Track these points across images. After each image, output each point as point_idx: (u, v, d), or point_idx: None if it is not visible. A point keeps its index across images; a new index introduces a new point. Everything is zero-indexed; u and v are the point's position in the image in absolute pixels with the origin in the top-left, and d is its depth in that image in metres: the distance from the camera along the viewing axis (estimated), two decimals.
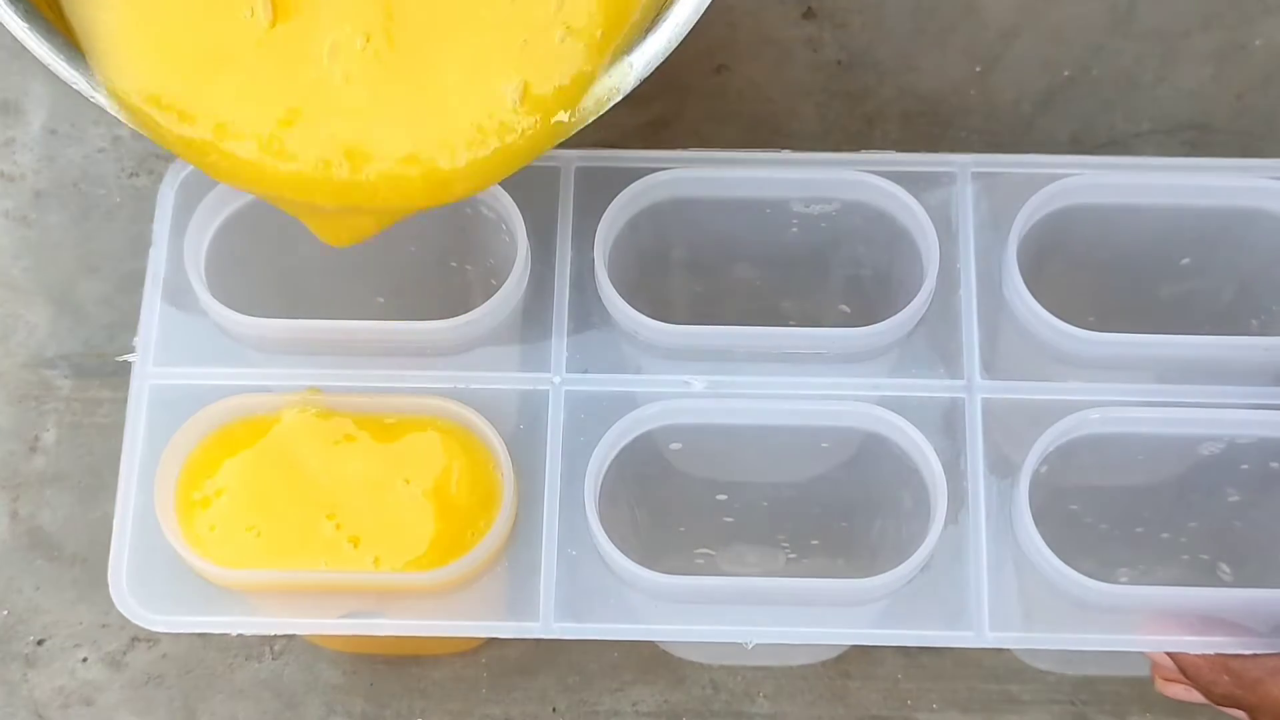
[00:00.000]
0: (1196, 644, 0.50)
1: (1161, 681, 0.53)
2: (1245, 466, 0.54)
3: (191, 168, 0.54)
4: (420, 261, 0.58)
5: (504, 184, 0.53)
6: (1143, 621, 0.50)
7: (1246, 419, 0.52)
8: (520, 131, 0.46)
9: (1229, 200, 0.54)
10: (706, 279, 0.60)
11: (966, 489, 0.51)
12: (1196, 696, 0.52)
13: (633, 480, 0.55)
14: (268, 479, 0.51)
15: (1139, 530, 0.60)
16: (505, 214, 0.53)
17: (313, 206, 0.47)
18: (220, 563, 0.49)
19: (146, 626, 0.50)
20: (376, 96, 0.46)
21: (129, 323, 0.54)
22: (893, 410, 0.51)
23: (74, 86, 0.45)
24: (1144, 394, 0.52)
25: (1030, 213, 0.52)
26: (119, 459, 0.52)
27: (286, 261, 0.56)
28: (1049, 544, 0.49)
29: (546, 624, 0.50)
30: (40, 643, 0.66)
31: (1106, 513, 0.60)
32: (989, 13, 0.75)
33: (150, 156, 0.73)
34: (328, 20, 0.45)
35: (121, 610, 0.50)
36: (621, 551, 0.49)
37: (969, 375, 0.53)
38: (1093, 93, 0.73)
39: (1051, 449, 0.51)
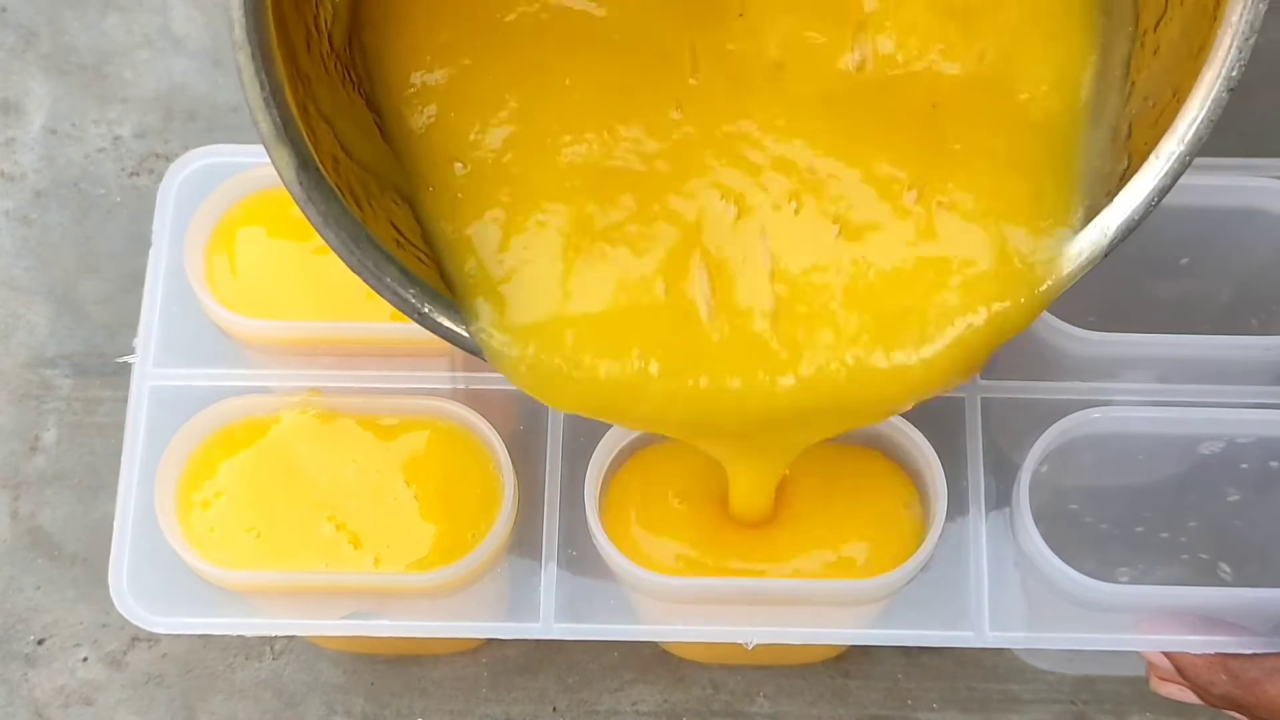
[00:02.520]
0: (1196, 644, 0.50)
1: (1156, 681, 0.53)
2: (1245, 466, 0.54)
3: (192, 167, 0.54)
4: None
5: None
6: (1143, 621, 0.50)
7: (1246, 419, 0.52)
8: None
9: (1229, 200, 0.54)
10: None
11: (966, 489, 0.51)
12: (1191, 697, 0.52)
13: None
14: (268, 480, 0.51)
15: (1139, 530, 0.60)
16: None
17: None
18: (220, 564, 0.49)
19: (147, 628, 0.50)
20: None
21: (129, 322, 0.54)
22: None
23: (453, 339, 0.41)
24: (1144, 394, 0.52)
25: None
26: (119, 458, 0.52)
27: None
28: (1049, 544, 0.49)
29: (547, 624, 0.50)
30: (40, 642, 0.66)
31: (1106, 512, 0.60)
32: None
33: (150, 156, 0.73)
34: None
35: (122, 612, 0.50)
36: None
37: None
38: None
39: (1051, 449, 0.51)
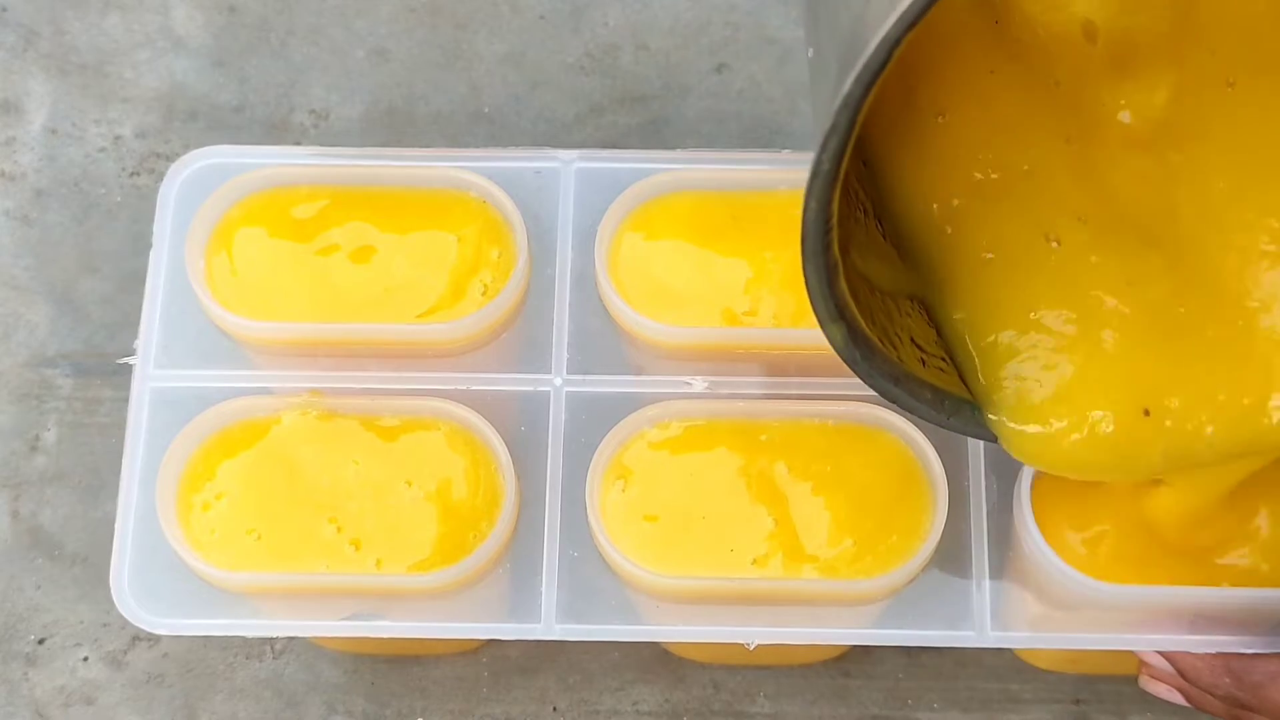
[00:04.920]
0: (1196, 643, 0.50)
1: (1145, 678, 0.53)
2: None
3: (193, 168, 0.54)
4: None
5: (504, 185, 0.53)
6: (1143, 621, 0.50)
7: None
8: None
9: None
10: None
11: (967, 489, 0.51)
12: (1179, 698, 0.52)
13: None
14: (269, 482, 0.51)
15: None
16: (505, 214, 0.53)
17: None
18: (222, 565, 0.49)
19: (148, 629, 0.50)
20: None
21: (130, 322, 0.54)
22: (892, 410, 0.51)
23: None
24: None
25: None
26: (120, 458, 0.52)
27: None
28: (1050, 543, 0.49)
29: (548, 625, 0.50)
30: (41, 642, 0.66)
31: None
32: None
33: (151, 156, 0.73)
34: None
35: (123, 613, 0.50)
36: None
37: None
38: None
39: None
